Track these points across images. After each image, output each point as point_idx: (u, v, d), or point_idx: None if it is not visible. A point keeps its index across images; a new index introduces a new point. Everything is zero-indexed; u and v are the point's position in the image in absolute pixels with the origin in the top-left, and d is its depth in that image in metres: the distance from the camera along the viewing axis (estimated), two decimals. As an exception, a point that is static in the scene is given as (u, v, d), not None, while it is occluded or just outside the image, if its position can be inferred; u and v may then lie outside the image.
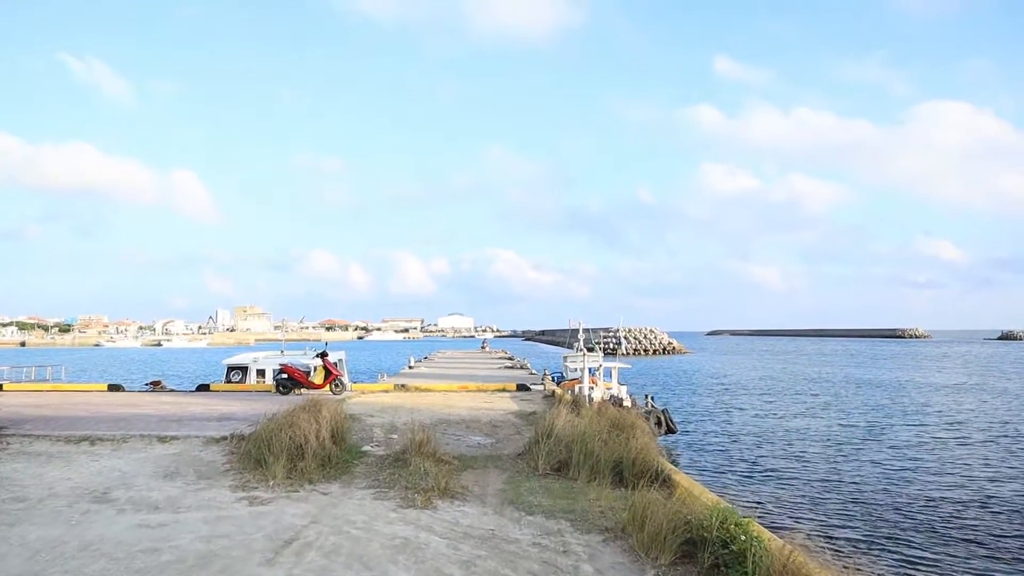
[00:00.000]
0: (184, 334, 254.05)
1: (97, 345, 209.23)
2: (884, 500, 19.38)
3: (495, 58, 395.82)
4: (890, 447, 27.91)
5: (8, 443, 14.24)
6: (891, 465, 24.34)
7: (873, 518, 17.58)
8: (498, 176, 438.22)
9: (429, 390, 27.78)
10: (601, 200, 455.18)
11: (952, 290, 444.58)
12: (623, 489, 10.45)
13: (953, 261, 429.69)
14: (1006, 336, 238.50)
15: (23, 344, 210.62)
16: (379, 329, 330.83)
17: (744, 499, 19.48)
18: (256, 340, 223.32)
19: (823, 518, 17.60)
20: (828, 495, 19.99)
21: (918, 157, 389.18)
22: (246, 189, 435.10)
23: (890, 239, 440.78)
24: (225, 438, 14.26)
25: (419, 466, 11.54)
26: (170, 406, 20.83)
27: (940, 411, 39.83)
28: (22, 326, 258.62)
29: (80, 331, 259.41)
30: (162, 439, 14.43)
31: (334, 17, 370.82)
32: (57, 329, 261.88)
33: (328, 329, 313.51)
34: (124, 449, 13.70)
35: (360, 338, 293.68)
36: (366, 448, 14.51)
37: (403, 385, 28.58)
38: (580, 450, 11.28)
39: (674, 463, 25.07)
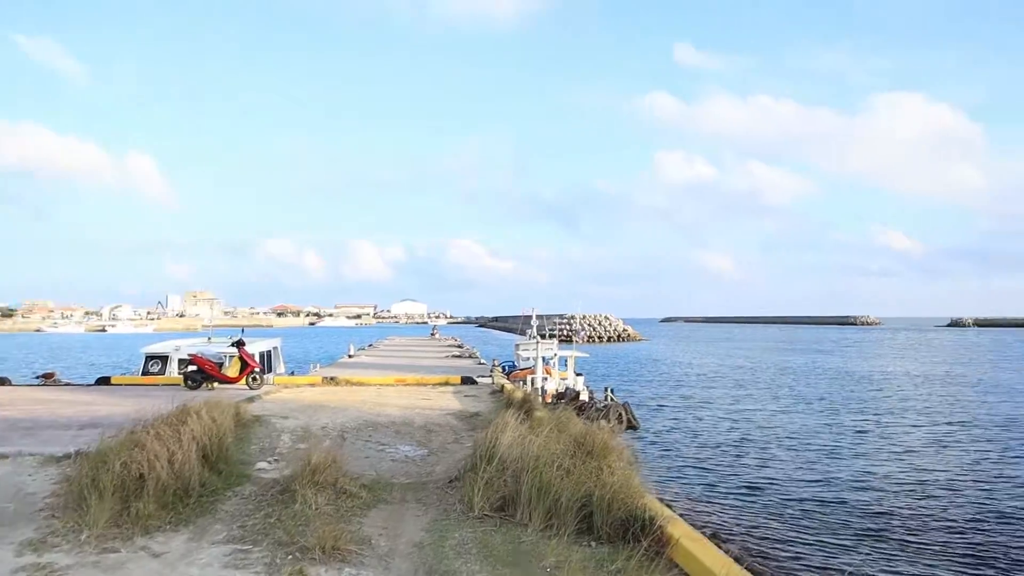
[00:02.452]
0: (131, 319, 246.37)
1: (38, 331, 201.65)
2: (896, 522, 16.54)
3: (457, 42, 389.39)
4: (886, 449, 25.25)
5: None
6: (892, 474, 21.61)
7: (890, 550, 14.72)
8: (456, 162, 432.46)
9: (362, 384, 24.50)
10: (559, 187, 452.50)
11: (904, 279, 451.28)
12: (594, 545, 7.34)
13: (906, 250, 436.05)
14: (954, 323, 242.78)
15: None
16: (331, 315, 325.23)
17: (721, 518, 16.58)
18: (204, 326, 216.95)
19: (818, 548, 14.71)
20: (819, 512, 17.12)
21: (877, 147, 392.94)
22: (205, 173, 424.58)
23: (847, 228, 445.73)
24: (69, 456, 10.83)
25: (309, 503, 8.33)
26: (40, 405, 17.25)
27: (928, 405, 37.55)
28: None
29: (23, 316, 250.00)
30: (-12, 457, 10.96)
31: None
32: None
33: (279, 315, 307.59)
34: (-71, 473, 10.24)
35: (312, 324, 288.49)
36: (260, 466, 11.25)
37: (332, 378, 25.23)
38: (532, 482, 8.11)
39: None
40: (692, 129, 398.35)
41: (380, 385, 24.43)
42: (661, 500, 13.32)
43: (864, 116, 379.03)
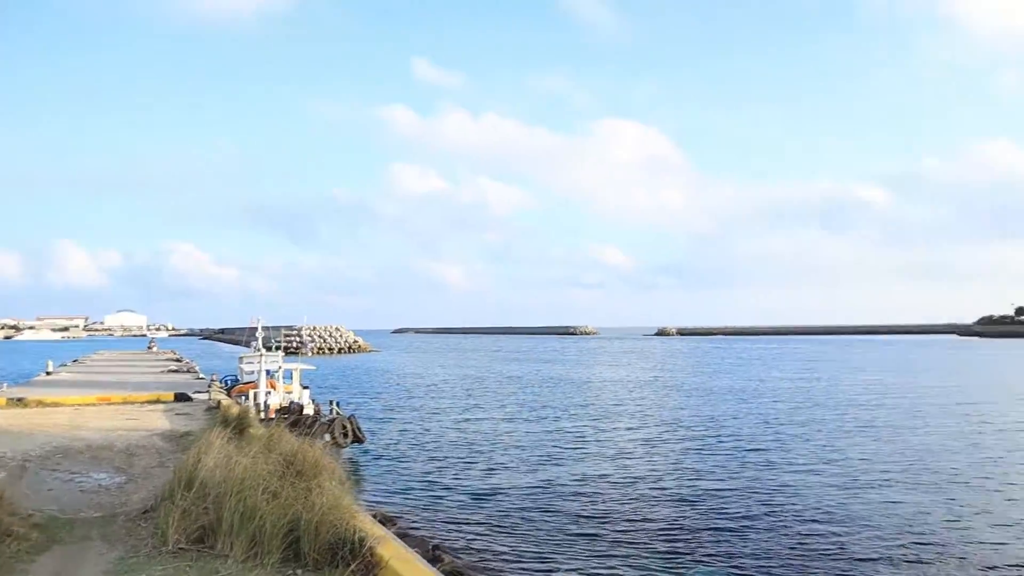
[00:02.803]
0: None
1: None
2: (610, 523, 17.30)
3: (188, 40, 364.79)
4: (603, 452, 26.56)
5: None
6: (608, 475, 22.70)
7: (604, 550, 15.33)
8: (182, 165, 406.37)
9: (57, 404, 22.05)
10: (294, 194, 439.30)
11: (617, 291, 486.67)
12: (300, 573, 6.81)
13: (619, 265, 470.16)
14: (661, 332, 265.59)
15: None
16: (32, 328, 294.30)
17: (445, 531, 16.55)
18: None
19: (537, 555, 15.07)
20: (541, 518, 17.58)
21: (592, 168, 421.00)
22: None
23: (565, 242, 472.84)
24: None
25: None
26: None
27: (640, 408, 40.14)
28: None
29: None
30: None
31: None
32: None
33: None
34: None
35: (8, 338, 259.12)
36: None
37: (21, 399, 22.47)
38: (236, 508, 7.43)
39: (359, 479, 21.73)
40: (428, 142, 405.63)
41: (79, 405, 22.16)
42: (382, 517, 12.98)
43: (583, 138, 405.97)
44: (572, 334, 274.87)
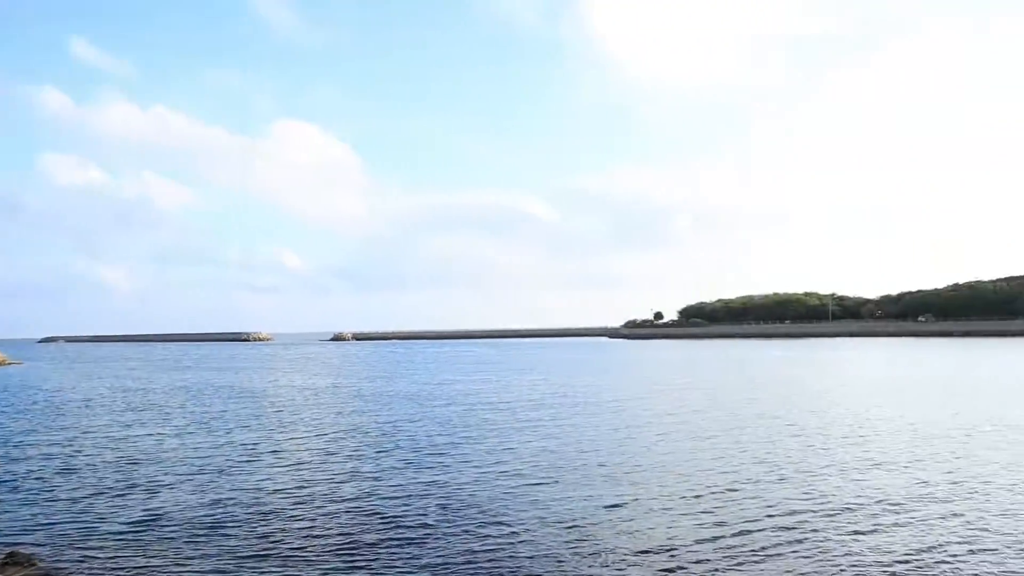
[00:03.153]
0: None
1: None
2: (286, 538, 16.51)
3: None
4: (278, 464, 25.42)
5: None
6: (283, 488, 21.74)
7: (277, 567, 14.53)
8: None
9: None
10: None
11: (292, 295, 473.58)
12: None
13: (294, 268, 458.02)
14: (337, 337, 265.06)
15: None
16: None
17: (97, 566, 14.88)
18: None
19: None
20: (210, 539, 16.38)
21: (269, 169, 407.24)
22: None
23: (239, 245, 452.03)
24: None
25: None
26: None
27: (316, 416, 39.16)
28: None
29: None
30: None
31: None
32: None
33: None
34: None
35: None
36: None
37: None
38: None
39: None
40: (86, 130, 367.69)
41: None
42: (15, 559, 11.26)
43: (260, 139, 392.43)
44: (246, 340, 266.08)
